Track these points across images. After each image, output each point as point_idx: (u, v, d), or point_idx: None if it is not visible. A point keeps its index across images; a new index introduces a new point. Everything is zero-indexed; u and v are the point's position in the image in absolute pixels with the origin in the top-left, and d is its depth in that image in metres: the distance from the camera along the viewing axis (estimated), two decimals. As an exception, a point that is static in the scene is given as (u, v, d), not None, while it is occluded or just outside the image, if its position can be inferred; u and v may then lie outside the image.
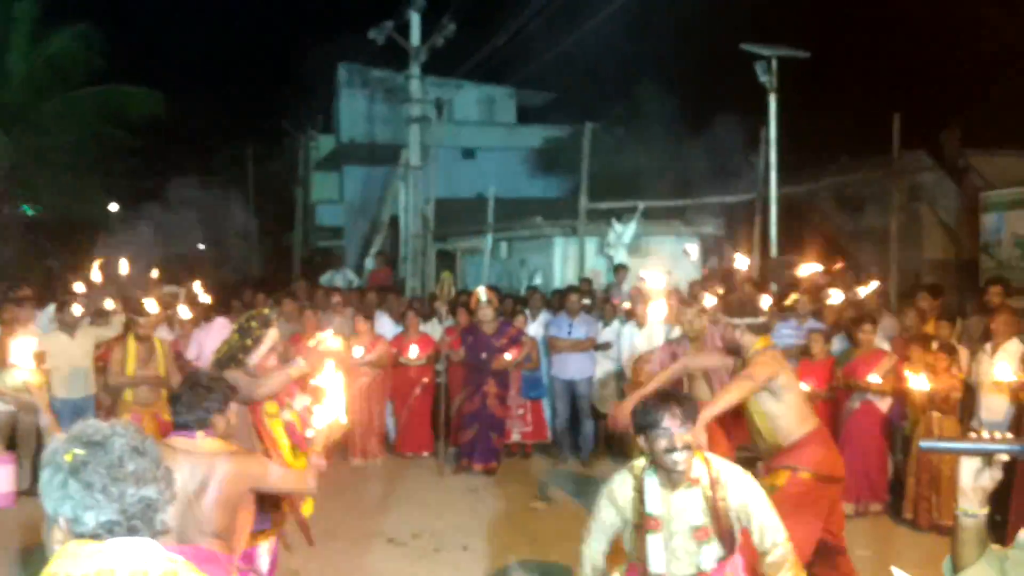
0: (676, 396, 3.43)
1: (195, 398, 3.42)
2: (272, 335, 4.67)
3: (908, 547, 6.47)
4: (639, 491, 3.32)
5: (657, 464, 3.28)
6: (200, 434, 3.38)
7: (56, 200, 17.93)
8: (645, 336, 8.79)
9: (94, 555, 1.69)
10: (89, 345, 7.98)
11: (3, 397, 5.66)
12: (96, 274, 8.93)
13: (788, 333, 8.24)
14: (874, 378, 7.04)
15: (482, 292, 8.98)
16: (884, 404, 7.18)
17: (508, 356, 8.66)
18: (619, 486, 3.40)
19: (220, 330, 8.29)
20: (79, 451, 1.73)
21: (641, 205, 12.08)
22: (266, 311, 4.98)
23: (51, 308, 8.47)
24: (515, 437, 9.37)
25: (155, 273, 9.59)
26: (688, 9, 18.20)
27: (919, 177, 14.20)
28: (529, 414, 9.42)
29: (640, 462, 3.42)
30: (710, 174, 15.97)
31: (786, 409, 4.56)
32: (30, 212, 18.17)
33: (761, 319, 4.76)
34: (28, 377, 3.49)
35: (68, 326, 7.91)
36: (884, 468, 7.27)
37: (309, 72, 24.95)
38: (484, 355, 8.68)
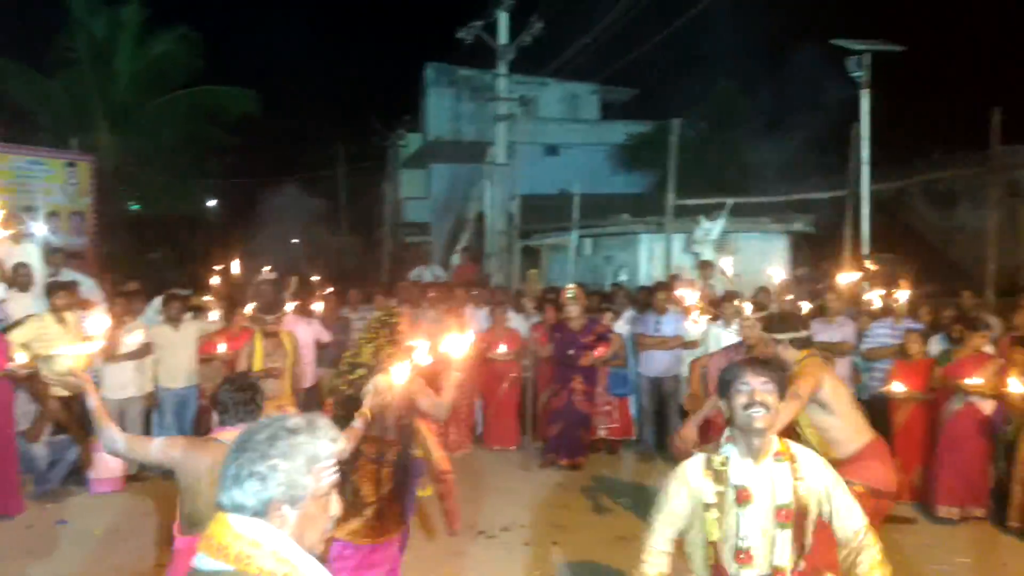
0: (763, 360, 3.37)
1: (240, 396, 3.62)
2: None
3: (1013, 557, 6.30)
4: (717, 468, 3.09)
5: (737, 428, 3.10)
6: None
7: (157, 197, 18.72)
8: (733, 335, 8.76)
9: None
10: (192, 337, 8.35)
11: (53, 382, 6.01)
12: (215, 276, 9.30)
13: (884, 332, 8.13)
14: (975, 380, 6.89)
15: (570, 288, 9.07)
16: (987, 407, 6.97)
17: (595, 353, 8.73)
18: (692, 468, 3.15)
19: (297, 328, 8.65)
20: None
21: (730, 201, 11.98)
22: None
23: (157, 301, 8.88)
24: (601, 433, 9.43)
25: (266, 269, 9.91)
26: (776, 3, 17.94)
27: (1017, 173, 13.72)
28: (616, 411, 9.48)
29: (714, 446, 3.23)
30: (799, 170, 15.74)
31: (838, 421, 4.48)
32: (135, 208, 18.96)
33: (803, 333, 4.70)
34: (72, 362, 3.67)
35: (172, 319, 8.30)
36: (986, 472, 7.06)
37: (398, 71, 25.40)
38: (571, 351, 8.75)
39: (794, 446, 3.18)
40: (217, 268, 9.57)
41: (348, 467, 4.16)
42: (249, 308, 7.93)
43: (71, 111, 17.00)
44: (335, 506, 1.93)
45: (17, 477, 6.94)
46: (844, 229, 11.82)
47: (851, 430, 4.48)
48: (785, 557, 3.01)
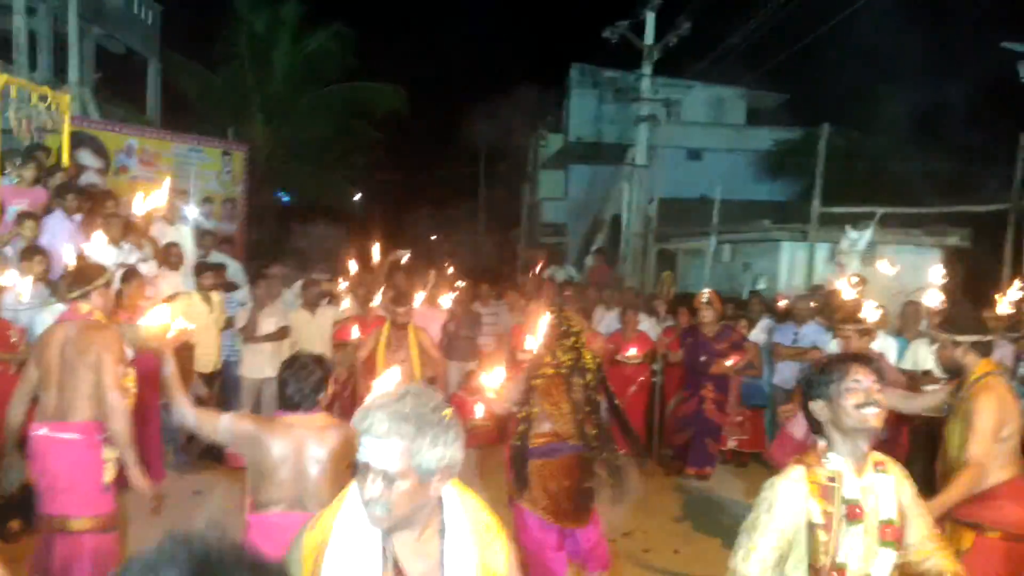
0: (863, 355, 2.94)
1: (302, 377, 3.56)
2: None
3: None
4: (825, 483, 2.67)
5: (842, 432, 2.71)
6: (308, 411, 3.54)
7: (305, 188, 19.45)
8: (876, 349, 8.32)
9: None
10: (328, 323, 8.59)
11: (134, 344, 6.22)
12: (354, 263, 9.53)
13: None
14: None
15: (704, 293, 8.82)
16: None
17: (729, 362, 8.45)
18: (792, 482, 2.70)
19: (427, 317, 8.81)
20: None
21: (879, 211, 11.40)
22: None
23: (296, 286, 9.18)
24: (731, 444, 9.14)
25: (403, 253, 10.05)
26: (933, 4, 16.98)
27: None
28: (748, 422, 9.16)
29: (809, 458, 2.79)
30: (955, 181, 14.84)
31: (995, 452, 3.91)
32: (285, 198, 19.76)
33: (988, 337, 4.20)
34: (155, 330, 3.69)
35: (310, 304, 8.56)
36: None
37: (543, 72, 25.51)
38: (703, 358, 8.50)
39: (880, 455, 2.83)
40: (356, 257, 9.80)
41: None
42: (380, 297, 8.05)
43: (230, 103, 17.89)
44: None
45: (160, 446, 7.28)
46: (1005, 246, 11.04)
47: (998, 464, 3.91)
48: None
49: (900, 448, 5.66)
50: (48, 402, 4.33)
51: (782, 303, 9.66)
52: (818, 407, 2.75)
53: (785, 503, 2.66)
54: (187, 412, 3.55)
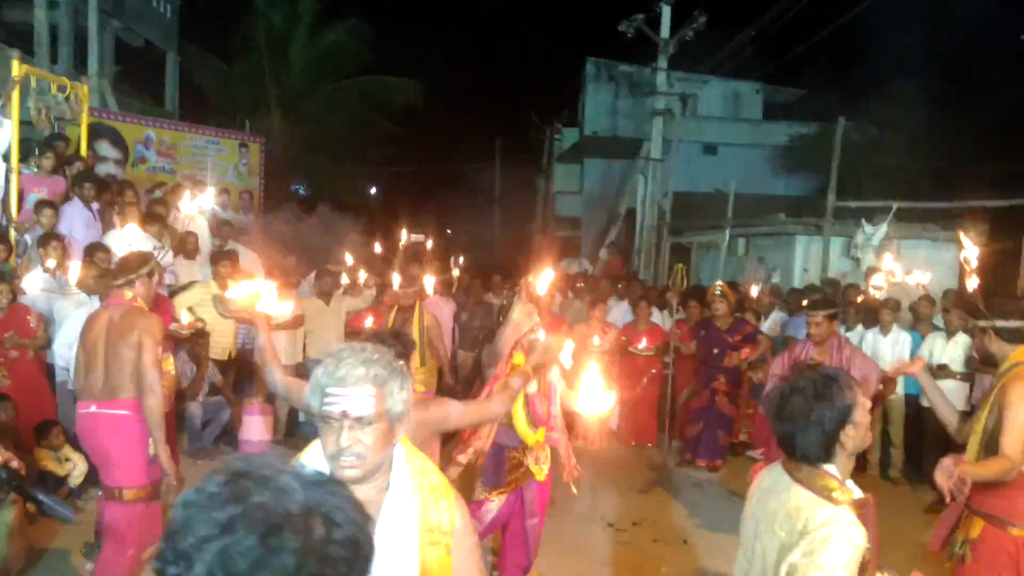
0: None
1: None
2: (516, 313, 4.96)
3: None
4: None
5: (847, 456, 2.45)
6: None
7: (321, 180, 19.53)
8: (889, 343, 8.32)
9: None
10: (342, 312, 8.66)
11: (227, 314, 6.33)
12: (357, 253, 9.58)
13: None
14: None
15: (717, 286, 8.83)
16: None
17: (742, 354, 8.45)
18: (853, 525, 2.28)
19: (439, 306, 9.04)
20: None
21: (895, 205, 11.36)
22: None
23: (311, 276, 9.25)
24: (742, 437, 9.16)
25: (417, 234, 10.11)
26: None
27: None
28: (759, 415, 9.16)
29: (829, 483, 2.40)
30: (974, 178, 14.75)
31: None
32: (301, 191, 19.85)
33: (1020, 323, 3.85)
34: (244, 302, 3.76)
35: (325, 294, 8.63)
36: None
37: (558, 66, 25.50)
38: (716, 351, 8.52)
39: None
40: (371, 247, 9.85)
41: None
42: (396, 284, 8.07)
43: (247, 96, 17.99)
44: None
45: (174, 433, 7.37)
46: (1023, 242, 10.97)
47: None
48: None
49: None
50: (95, 382, 4.55)
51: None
52: (850, 433, 2.42)
53: (856, 550, 2.25)
54: (278, 379, 3.61)
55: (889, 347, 8.27)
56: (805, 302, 7.61)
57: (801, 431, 2.40)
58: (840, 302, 9.20)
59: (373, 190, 23.74)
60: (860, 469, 6.48)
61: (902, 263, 10.56)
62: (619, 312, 10.16)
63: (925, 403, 7.96)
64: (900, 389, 8.30)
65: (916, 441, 8.26)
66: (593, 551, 6.14)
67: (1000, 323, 3.86)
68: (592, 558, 6.01)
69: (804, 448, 2.42)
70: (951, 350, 7.90)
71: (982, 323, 3.93)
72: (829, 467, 2.42)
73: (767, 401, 2.57)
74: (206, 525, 1.11)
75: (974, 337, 4.11)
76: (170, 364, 4.81)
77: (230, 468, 1.20)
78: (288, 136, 18.09)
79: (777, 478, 2.53)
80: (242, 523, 1.11)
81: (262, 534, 1.10)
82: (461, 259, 9.31)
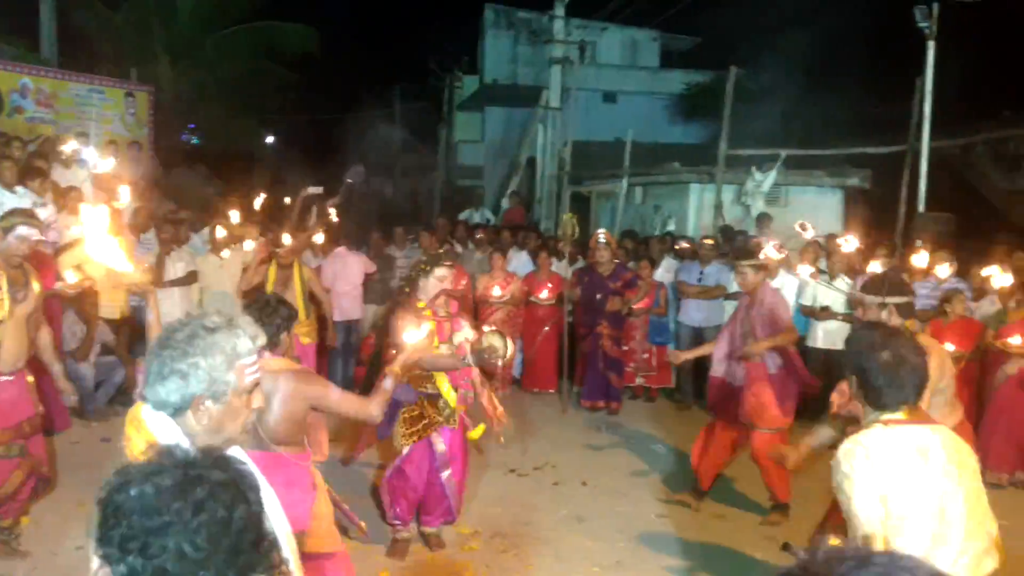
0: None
1: (262, 318, 3.55)
2: (440, 274, 4.98)
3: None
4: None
5: None
6: (267, 353, 3.50)
7: (215, 131, 18.90)
8: (777, 287, 8.64)
9: None
10: (237, 268, 8.45)
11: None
12: (237, 208, 9.33)
13: (925, 293, 7.93)
14: (1015, 340, 6.73)
15: (600, 234, 9.08)
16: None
17: (629, 296, 8.79)
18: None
19: (345, 259, 8.93)
20: None
21: (783, 153, 11.73)
22: (441, 251, 5.21)
23: (205, 231, 9.02)
24: (639, 380, 9.46)
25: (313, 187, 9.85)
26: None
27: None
28: (655, 359, 9.46)
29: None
30: (857, 124, 15.30)
31: (938, 403, 4.03)
32: (194, 142, 19.19)
33: (909, 298, 4.31)
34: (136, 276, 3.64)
35: (219, 248, 8.44)
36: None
37: (456, 12, 25.13)
38: (599, 296, 8.80)
39: None
40: (262, 198, 9.64)
41: None
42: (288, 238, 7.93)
43: (132, 42, 17.15)
44: (257, 400, 2.07)
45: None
46: (901, 186, 11.48)
47: (943, 413, 3.97)
48: None
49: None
50: None
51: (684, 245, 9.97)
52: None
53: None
54: None
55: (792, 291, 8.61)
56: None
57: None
58: (733, 248, 9.54)
59: (270, 139, 23.12)
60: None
61: (790, 209, 11.05)
62: (520, 262, 10.26)
63: (810, 344, 8.39)
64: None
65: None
66: (492, 496, 6.28)
67: (897, 299, 4.20)
68: (492, 502, 6.15)
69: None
70: (834, 293, 8.27)
71: (880, 299, 4.23)
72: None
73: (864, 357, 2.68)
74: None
75: (866, 312, 4.32)
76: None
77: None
78: (178, 85, 17.38)
79: (921, 431, 2.63)
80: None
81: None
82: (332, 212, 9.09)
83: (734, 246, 5.56)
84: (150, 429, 1.95)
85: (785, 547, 3.20)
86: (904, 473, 2.49)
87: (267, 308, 3.64)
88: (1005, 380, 6.91)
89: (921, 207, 10.77)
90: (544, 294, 9.49)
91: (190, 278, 8.12)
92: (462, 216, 14.64)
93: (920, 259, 7.81)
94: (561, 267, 9.96)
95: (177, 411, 1.95)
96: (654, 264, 9.59)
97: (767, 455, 5.36)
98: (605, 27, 23.28)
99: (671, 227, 12.42)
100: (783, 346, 5.75)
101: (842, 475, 2.54)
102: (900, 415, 2.62)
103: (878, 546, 2.32)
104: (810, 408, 6.32)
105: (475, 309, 9.34)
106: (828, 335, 8.27)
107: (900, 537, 2.45)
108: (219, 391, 1.95)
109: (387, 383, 3.68)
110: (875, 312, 4.24)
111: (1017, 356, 6.80)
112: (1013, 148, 14.24)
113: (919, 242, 9.85)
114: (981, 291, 7.94)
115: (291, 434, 3.48)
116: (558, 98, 17.39)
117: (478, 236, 10.75)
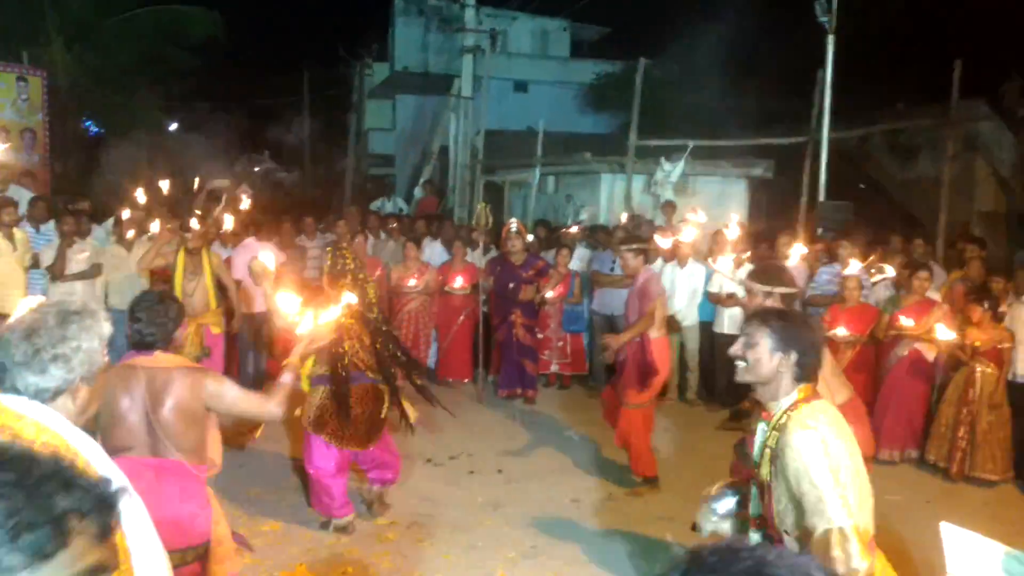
0: None
1: (154, 315, 3.45)
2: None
3: (940, 495, 6.50)
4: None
5: None
6: (158, 351, 3.45)
7: (116, 118, 18.24)
8: (686, 275, 8.86)
9: None
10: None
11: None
12: (142, 195, 9.04)
13: (827, 280, 8.23)
14: (907, 321, 7.07)
15: (513, 224, 9.16)
16: (931, 354, 7.16)
17: (542, 284, 8.91)
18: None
19: (254, 250, 8.65)
20: None
21: (691, 144, 11.98)
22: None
23: (109, 222, 8.74)
24: (554, 368, 9.57)
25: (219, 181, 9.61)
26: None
27: (976, 127, 13.84)
28: (568, 347, 9.58)
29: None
30: (762, 115, 15.73)
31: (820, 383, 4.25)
32: (94, 129, 18.51)
33: (793, 289, 4.57)
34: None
35: (124, 240, 8.19)
36: (924, 416, 7.27)
37: (366, -2, 24.76)
38: (511, 285, 8.89)
39: None
40: (167, 185, 9.33)
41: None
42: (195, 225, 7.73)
43: (23, 24, 16.38)
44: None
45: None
46: (803, 175, 11.88)
47: (829, 393, 3.96)
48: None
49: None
50: None
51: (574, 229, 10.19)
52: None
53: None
54: None
55: (686, 278, 8.83)
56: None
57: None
58: (645, 237, 9.70)
59: (173, 127, 22.44)
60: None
61: (696, 198, 11.30)
62: (434, 252, 10.24)
63: (717, 329, 8.64)
64: (695, 316, 8.94)
65: (709, 365, 8.95)
66: (411, 487, 6.29)
67: (781, 289, 4.43)
68: (407, 493, 6.15)
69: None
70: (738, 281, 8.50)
71: (767, 289, 4.44)
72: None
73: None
74: None
75: (754, 299, 4.50)
76: None
77: None
78: (75, 70, 16.68)
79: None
80: None
81: None
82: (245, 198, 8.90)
83: (763, 267, 5.67)
84: (31, 418, 1.92)
85: (694, 528, 3.32)
86: (847, 444, 2.60)
87: (160, 306, 3.50)
88: (897, 361, 7.25)
89: (822, 196, 11.15)
90: (458, 283, 9.50)
91: (93, 271, 7.86)
92: (374, 206, 14.52)
93: (837, 248, 8.17)
94: (475, 256, 9.97)
95: (54, 396, 1.95)
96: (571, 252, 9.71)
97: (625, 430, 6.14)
98: (515, 16, 23.30)
99: (583, 216, 12.56)
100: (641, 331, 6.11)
101: (807, 457, 2.54)
102: (808, 390, 2.74)
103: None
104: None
105: (389, 299, 9.30)
106: (733, 321, 8.51)
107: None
108: (92, 373, 2.03)
109: (286, 377, 3.60)
110: (760, 300, 4.43)
111: (909, 339, 7.14)
112: (907, 139, 14.88)
113: (820, 231, 10.25)
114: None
115: (189, 438, 3.36)
116: (470, 87, 17.38)
117: (391, 226, 10.69)
